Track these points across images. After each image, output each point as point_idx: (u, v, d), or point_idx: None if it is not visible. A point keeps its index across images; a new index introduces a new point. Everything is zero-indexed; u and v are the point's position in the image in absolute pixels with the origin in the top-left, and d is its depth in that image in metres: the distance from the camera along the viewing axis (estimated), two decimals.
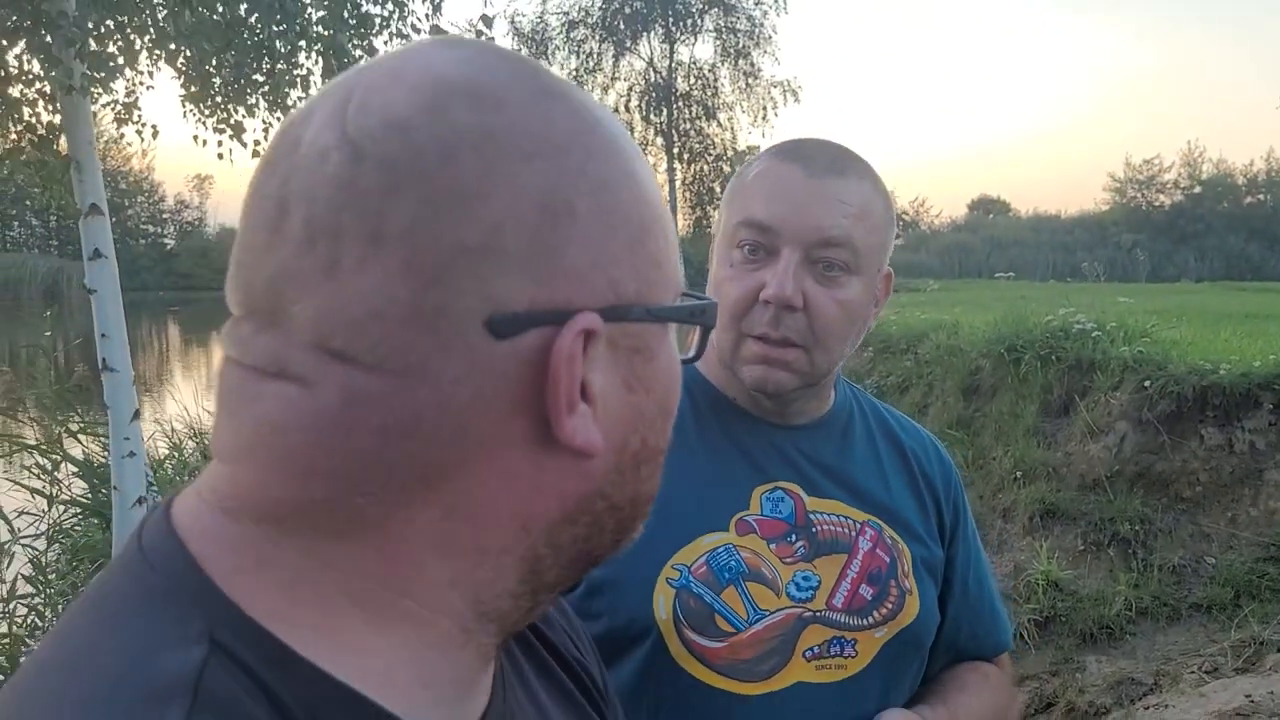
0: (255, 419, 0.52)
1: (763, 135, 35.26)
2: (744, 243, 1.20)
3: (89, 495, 6.67)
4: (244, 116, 5.91)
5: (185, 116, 5.97)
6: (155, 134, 6.00)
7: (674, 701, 1.14)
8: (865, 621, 1.22)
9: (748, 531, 1.21)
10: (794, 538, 1.22)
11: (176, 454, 8.67)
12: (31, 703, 0.47)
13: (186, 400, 10.80)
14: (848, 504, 1.27)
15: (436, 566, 0.53)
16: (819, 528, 1.24)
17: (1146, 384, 6.16)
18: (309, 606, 0.52)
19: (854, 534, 1.25)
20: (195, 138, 5.95)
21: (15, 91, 4.85)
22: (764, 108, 35.42)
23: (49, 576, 5.50)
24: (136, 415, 4.75)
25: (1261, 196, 58.96)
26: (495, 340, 0.50)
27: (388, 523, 0.52)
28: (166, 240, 78.56)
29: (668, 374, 0.60)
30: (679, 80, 35.71)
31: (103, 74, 4.70)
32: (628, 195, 0.55)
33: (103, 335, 4.60)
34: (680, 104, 35.63)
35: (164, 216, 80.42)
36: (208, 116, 5.94)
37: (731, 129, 36.31)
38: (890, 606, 1.23)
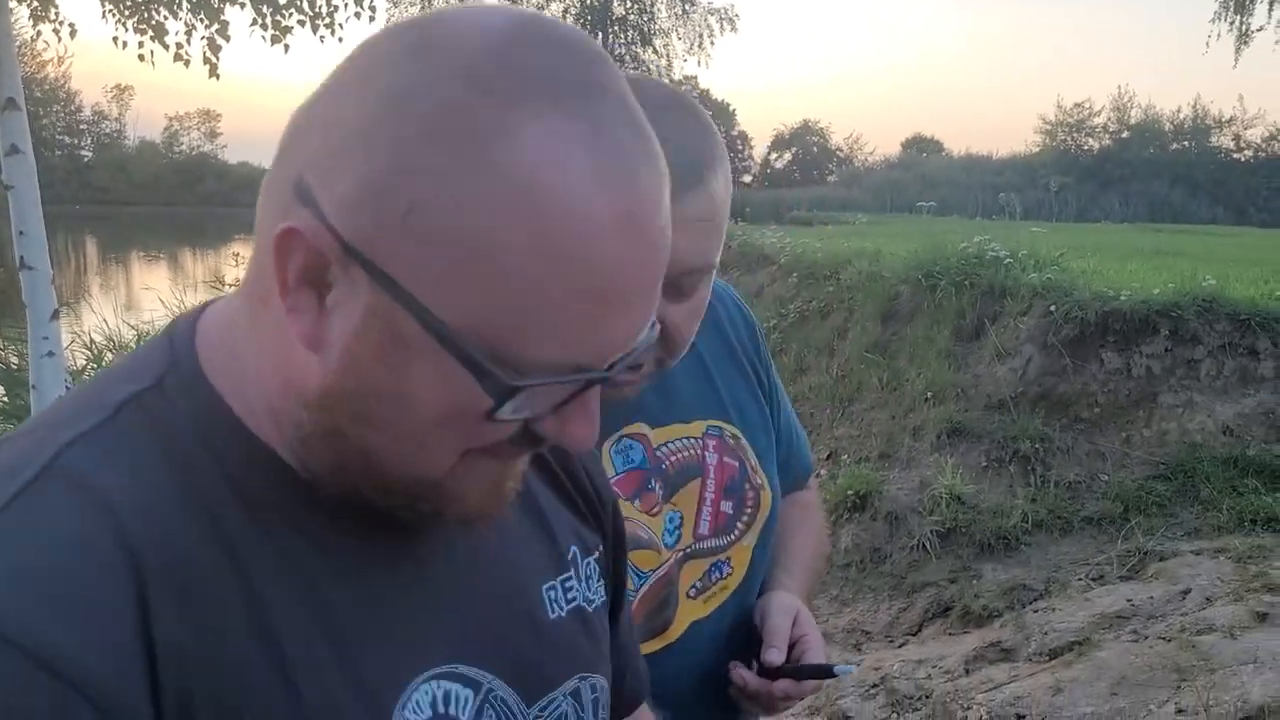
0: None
1: (699, 64, 35.19)
2: None
3: (6, 400, 6.63)
4: (166, 18, 5.77)
5: (105, 17, 5.80)
6: (73, 32, 5.85)
7: None
8: (732, 537, 1.27)
9: None
10: (652, 483, 1.21)
11: (95, 365, 8.58)
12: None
13: (106, 313, 10.64)
14: (684, 422, 1.26)
15: None
16: (666, 462, 1.23)
17: (1053, 309, 6.40)
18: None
19: (700, 451, 1.26)
20: (115, 39, 5.80)
21: None
22: (700, 35, 35.27)
23: None
24: (56, 315, 4.70)
25: (1187, 143, 59.90)
26: None
27: None
28: (83, 152, 75.62)
29: None
30: (615, 4, 35.28)
31: None
32: None
33: (20, 233, 4.52)
34: (616, 28, 35.24)
35: (81, 127, 77.20)
36: (128, 17, 5.78)
37: (667, 56, 36.12)
38: (750, 511, 1.29)
